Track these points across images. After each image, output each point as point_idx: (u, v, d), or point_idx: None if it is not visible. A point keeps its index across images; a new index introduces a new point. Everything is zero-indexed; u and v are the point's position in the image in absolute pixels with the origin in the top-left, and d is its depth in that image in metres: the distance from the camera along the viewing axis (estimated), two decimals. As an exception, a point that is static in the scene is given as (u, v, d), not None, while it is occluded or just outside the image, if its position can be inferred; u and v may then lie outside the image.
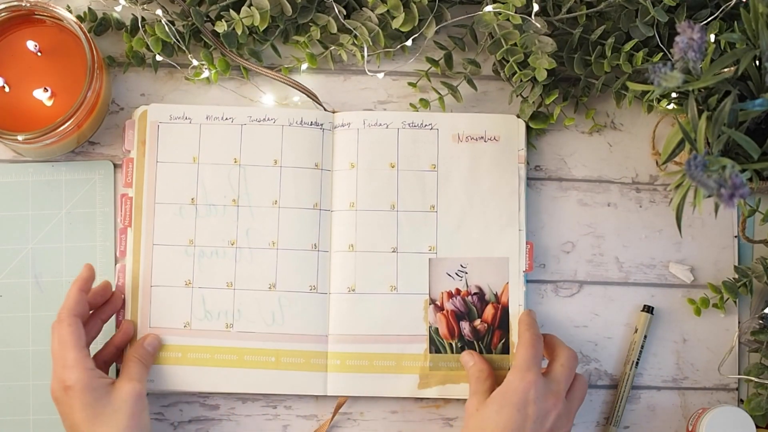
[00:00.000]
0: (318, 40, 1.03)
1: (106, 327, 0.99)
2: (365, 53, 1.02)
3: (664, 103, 0.97)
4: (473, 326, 1.00)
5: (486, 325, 1.00)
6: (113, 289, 1.00)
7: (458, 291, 1.01)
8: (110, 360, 0.98)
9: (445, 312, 1.01)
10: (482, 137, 1.02)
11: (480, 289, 1.01)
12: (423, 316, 1.01)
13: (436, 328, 1.01)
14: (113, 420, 0.90)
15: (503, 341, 1.00)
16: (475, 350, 1.00)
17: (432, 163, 1.02)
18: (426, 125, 1.03)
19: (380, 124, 1.02)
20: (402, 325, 1.00)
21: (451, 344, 1.00)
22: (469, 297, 1.01)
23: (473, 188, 1.02)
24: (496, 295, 1.01)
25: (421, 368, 1.00)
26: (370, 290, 1.01)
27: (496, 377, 0.97)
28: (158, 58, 1.02)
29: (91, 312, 0.97)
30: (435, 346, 1.00)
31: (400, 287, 1.01)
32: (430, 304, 1.01)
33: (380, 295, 1.01)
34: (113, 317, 0.99)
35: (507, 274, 1.01)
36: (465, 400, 1.01)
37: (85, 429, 0.90)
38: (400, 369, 1.00)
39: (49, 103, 0.97)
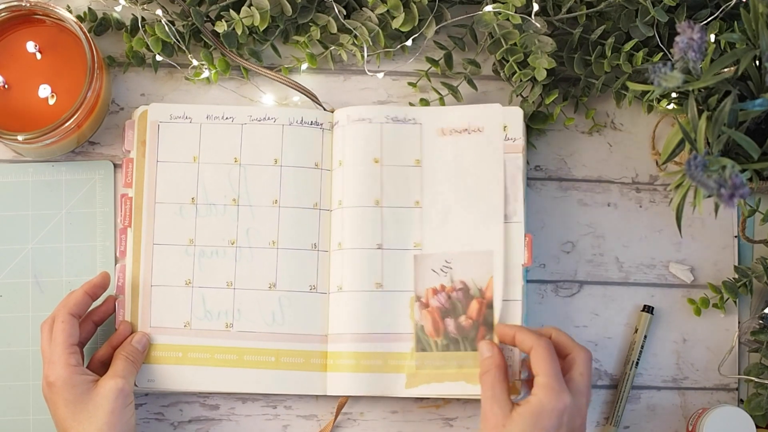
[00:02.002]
0: (318, 40, 1.03)
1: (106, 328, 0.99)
2: (365, 53, 1.02)
3: (664, 103, 0.97)
4: (458, 323, 0.99)
5: (471, 321, 0.98)
6: (114, 290, 1.00)
7: (443, 287, 0.99)
8: (107, 360, 0.97)
9: (430, 309, 1.00)
10: (466, 129, 1.01)
11: (464, 284, 0.99)
12: (409, 313, 1.00)
13: (422, 326, 0.99)
14: (93, 416, 0.91)
15: (488, 338, 0.98)
16: (461, 348, 0.98)
17: (416, 158, 1.02)
18: (409, 119, 1.02)
19: (363, 119, 1.02)
20: (388, 323, 0.99)
21: (436, 342, 0.99)
22: (454, 293, 0.99)
23: (458, 182, 1.00)
24: (480, 290, 0.99)
25: (407, 367, 0.99)
26: (357, 288, 1.00)
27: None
28: (158, 58, 1.02)
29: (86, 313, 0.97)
30: (421, 344, 0.99)
31: (386, 284, 1.00)
32: (416, 301, 1.00)
33: (366, 293, 1.00)
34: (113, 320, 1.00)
35: (491, 267, 0.99)
36: (459, 399, 1.01)
37: (68, 425, 0.91)
38: (387, 368, 0.99)
39: (51, 102, 0.97)
